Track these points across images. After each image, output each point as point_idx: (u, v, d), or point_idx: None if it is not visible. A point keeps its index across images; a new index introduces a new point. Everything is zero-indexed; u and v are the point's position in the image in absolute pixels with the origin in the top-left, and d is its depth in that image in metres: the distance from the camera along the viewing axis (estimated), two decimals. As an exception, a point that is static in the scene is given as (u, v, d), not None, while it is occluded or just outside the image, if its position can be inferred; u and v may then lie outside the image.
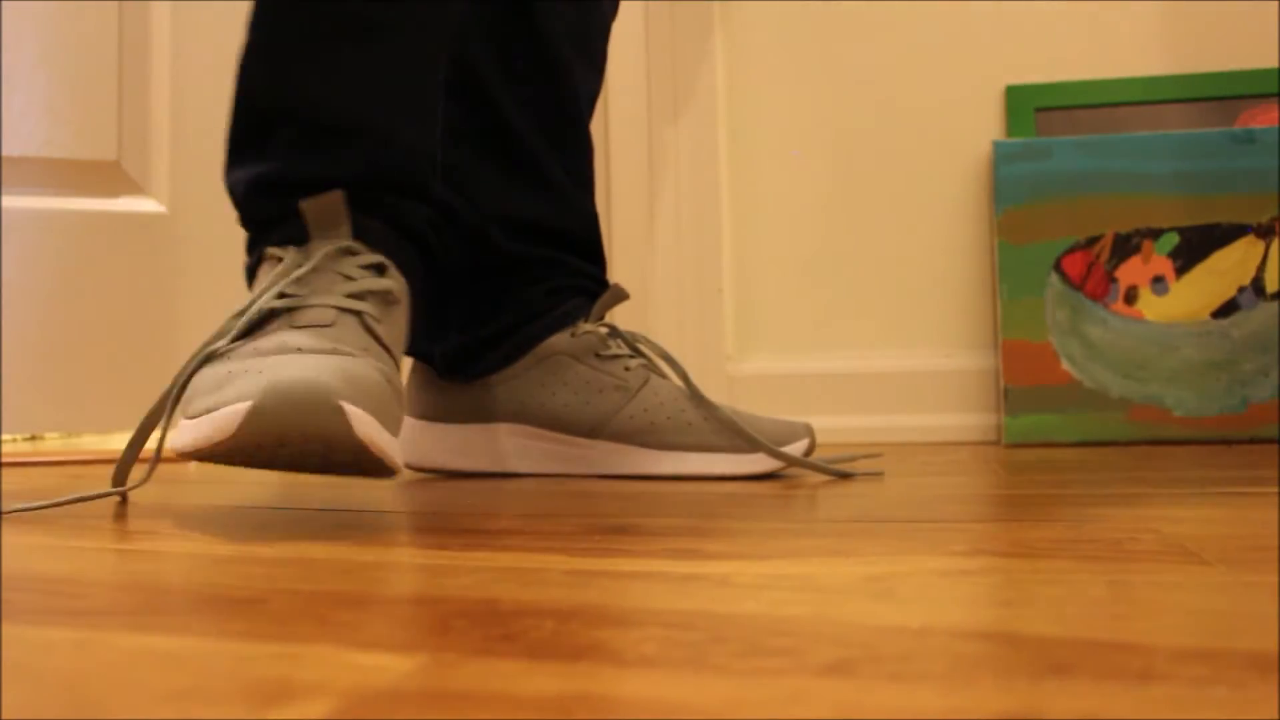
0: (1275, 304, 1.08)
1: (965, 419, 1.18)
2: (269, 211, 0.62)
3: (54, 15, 1.15)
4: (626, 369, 0.77)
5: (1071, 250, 1.12)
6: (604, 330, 0.79)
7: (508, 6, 0.79)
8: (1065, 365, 1.11)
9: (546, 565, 0.38)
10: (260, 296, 0.55)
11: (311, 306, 0.55)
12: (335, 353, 0.51)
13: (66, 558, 0.42)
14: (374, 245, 0.61)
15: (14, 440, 1.15)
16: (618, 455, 0.76)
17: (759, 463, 0.72)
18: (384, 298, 0.59)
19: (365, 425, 0.46)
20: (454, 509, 0.56)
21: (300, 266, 0.57)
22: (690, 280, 1.27)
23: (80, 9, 1.16)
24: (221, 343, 0.53)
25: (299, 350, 0.50)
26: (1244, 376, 1.08)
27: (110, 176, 1.15)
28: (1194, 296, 1.10)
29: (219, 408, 0.46)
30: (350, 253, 0.59)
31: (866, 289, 1.24)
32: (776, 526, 0.47)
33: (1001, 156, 1.14)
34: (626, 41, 1.32)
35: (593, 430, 0.77)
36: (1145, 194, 1.11)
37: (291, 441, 0.46)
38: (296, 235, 0.60)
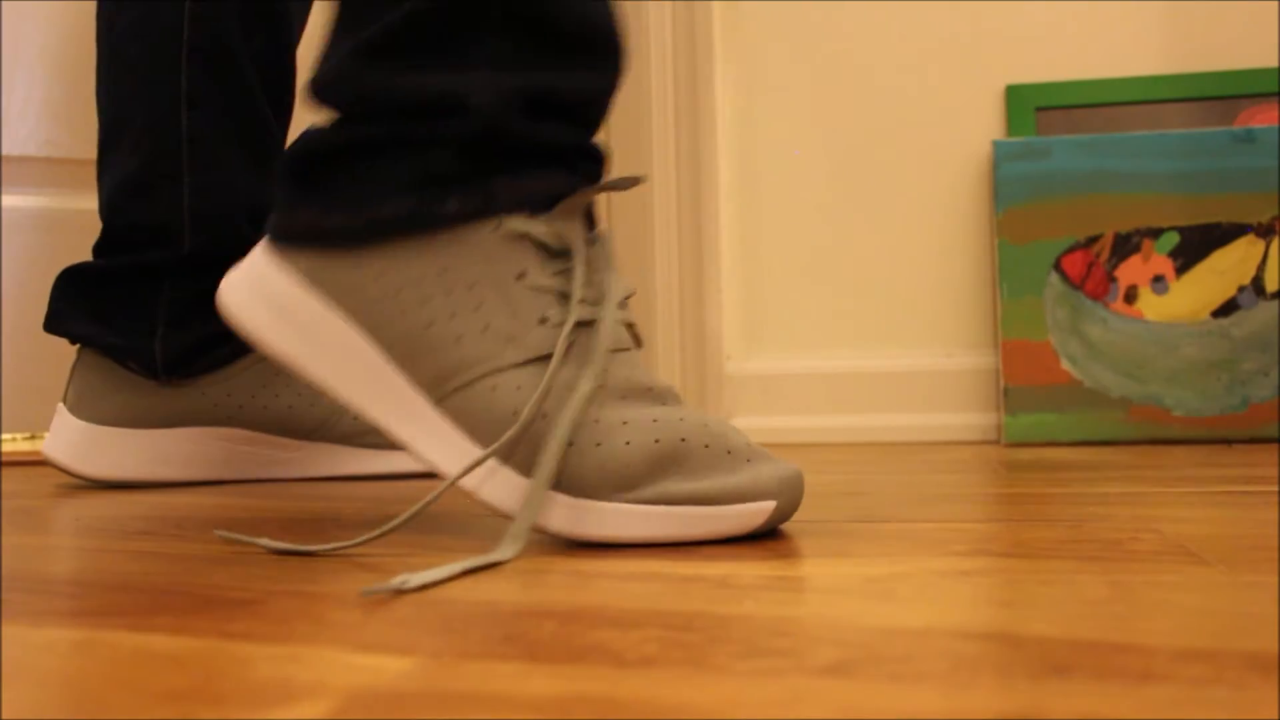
0: (1275, 303, 1.08)
1: (965, 418, 1.18)
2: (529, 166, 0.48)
3: (54, 15, 1.15)
4: None
5: (1071, 250, 1.12)
6: None
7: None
8: (1065, 365, 1.11)
9: (546, 565, 0.38)
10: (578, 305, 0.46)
11: (616, 323, 0.47)
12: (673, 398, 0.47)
13: (66, 558, 0.42)
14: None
15: (14, 440, 1.15)
16: (335, 457, 0.74)
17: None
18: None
19: None
20: (453, 509, 0.56)
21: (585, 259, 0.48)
22: (690, 280, 1.27)
23: (80, 9, 1.16)
24: (586, 382, 0.44)
25: (662, 394, 0.46)
26: (1244, 376, 1.08)
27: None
28: (1194, 296, 1.10)
29: (733, 500, 0.43)
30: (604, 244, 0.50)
31: (866, 289, 1.24)
32: (776, 527, 0.47)
33: (1002, 156, 1.14)
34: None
35: (312, 432, 0.74)
36: (1145, 193, 1.11)
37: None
38: (541, 203, 0.48)
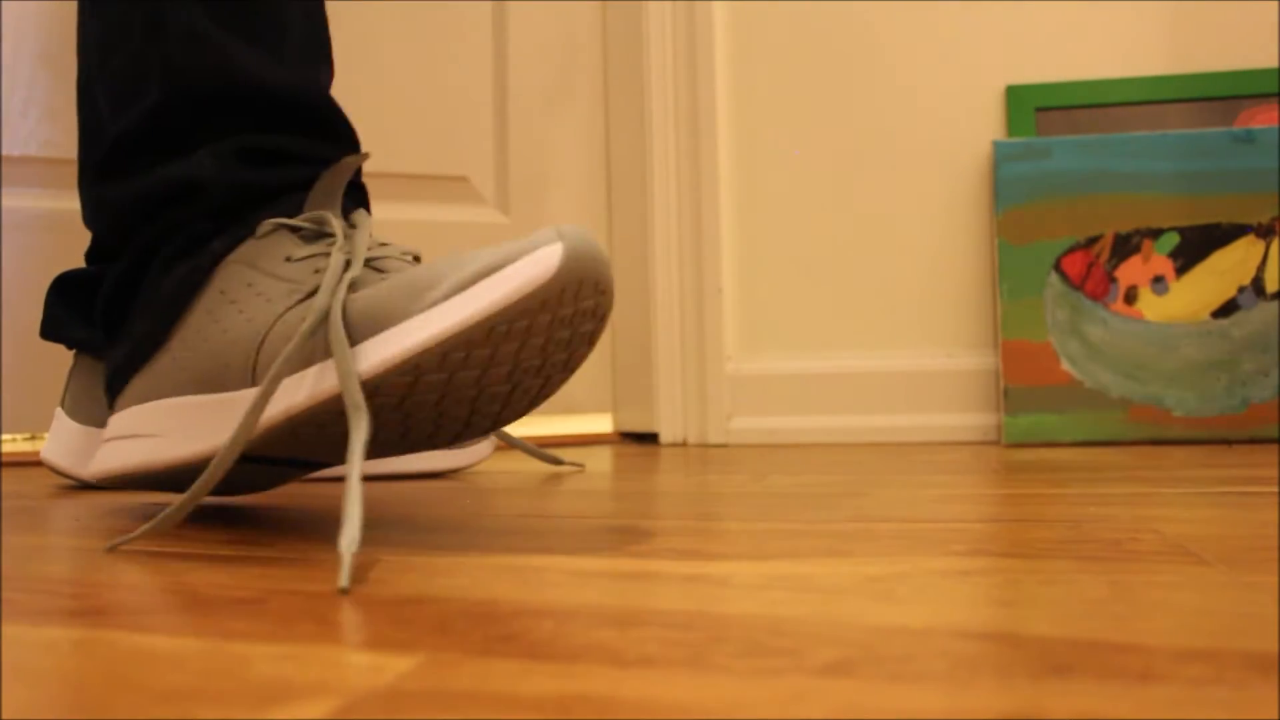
0: (1275, 304, 1.08)
1: (965, 419, 1.18)
2: (250, 182, 0.55)
3: (54, 15, 1.15)
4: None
5: (1071, 250, 1.12)
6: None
7: None
8: (1065, 365, 1.11)
9: (546, 565, 0.38)
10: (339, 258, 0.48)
11: (392, 257, 0.49)
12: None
13: (66, 558, 0.42)
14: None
15: (14, 440, 1.15)
16: None
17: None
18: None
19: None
20: (453, 509, 0.56)
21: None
22: (690, 280, 1.27)
23: (80, 9, 1.16)
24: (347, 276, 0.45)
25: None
26: (1244, 376, 1.08)
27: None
28: (1194, 296, 1.10)
29: (515, 257, 0.40)
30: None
31: (866, 289, 1.24)
32: (776, 527, 0.47)
33: (1002, 156, 1.14)
34: (626, 41, 1.32)
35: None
36: (1145, 194, 1.11)
37: (587, 295, 0.40)
38: (291, 209, 0.54)
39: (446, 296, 0.40)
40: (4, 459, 1.03)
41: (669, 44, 1.29)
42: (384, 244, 0.50)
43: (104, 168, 0.59)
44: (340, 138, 0.58)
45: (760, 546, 0.41)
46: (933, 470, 0.77)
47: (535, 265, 0.39)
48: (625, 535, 0.45)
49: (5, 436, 1.14)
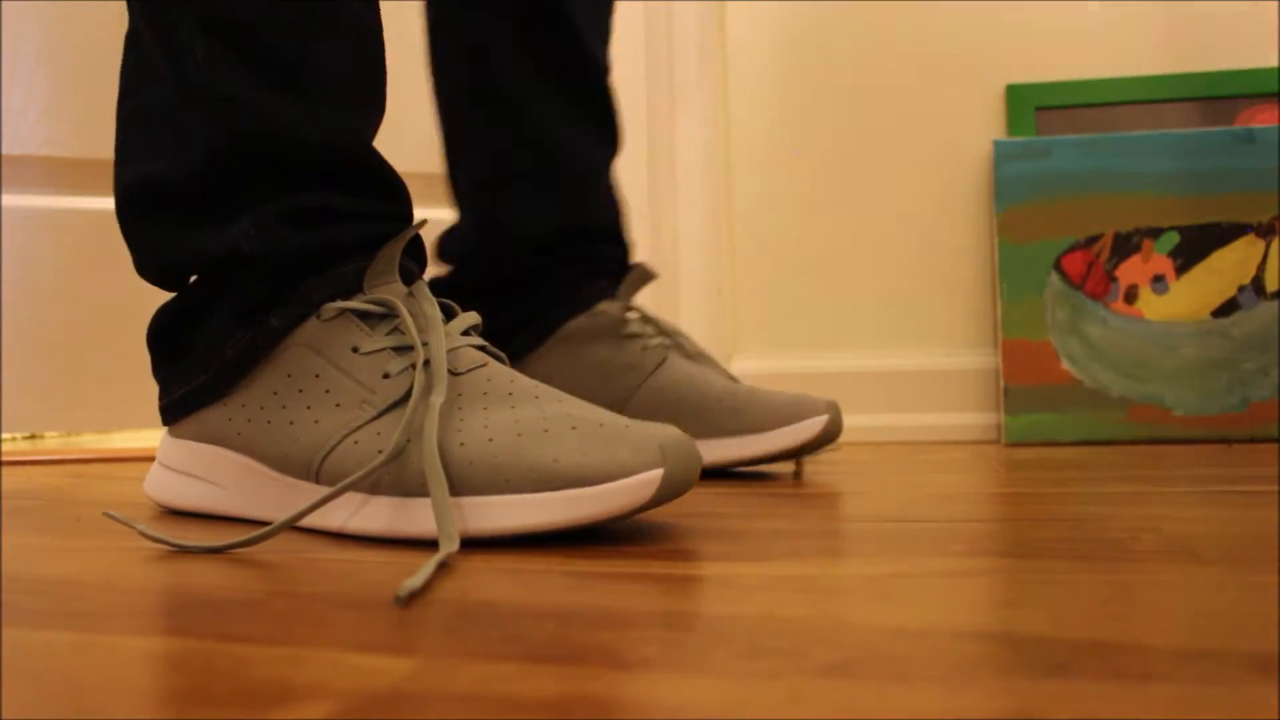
0: (1275, 303, 1.08)
1: (965, 418, 1.18)
2: (300, 246, 0.53)
3: (54, 15, 1.15)
4: (644, 349, 0.76)
5: (1071, 249, 1.12)
6: (625, 311, 0.78)
7: (538, 13, 0.79)
8: (1065, 364, 1.11)
9: (546, 566, 0.38)
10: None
11: (462, 348, 0.50)
12: (564, 399, 0.48)
13: (67, 559, 0.42)
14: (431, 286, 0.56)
15: (14, 440, 1.15)
16: None
17: (764, 443, 0.69)
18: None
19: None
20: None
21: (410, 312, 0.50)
22: (690, 280, 1.27)
23: (80, 9, 1.16)
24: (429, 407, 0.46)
25: (559, 401, 0.47)
26: (1244, 376, 1.08)
27: (110, 176, 1.15)
28: (1194, 296, 1.10)
29: (607, 478, 0.43)
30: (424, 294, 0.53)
31: (866, 288, 1.24)
32: (776, 526, 0.47)
33: (1002, 156, 1.14)
34: (625, 41, 1.32)
35: (612, 410, 0.76)
36: (1145, 193, 1.11)
37: (678, 496, 0.45)
38: (347, 279, 0.52)
39: (548, 488, 0.43)
40: (4, 459, 1.03)
41: (668, 43, 1.29)
42: (449, 333, 0.51)
43: (146, 211, 0.58)
44: (388, 191, 0.56)
45: (760, 546, 0.41)
46: (933, 470, 0.77)
47: (632, 493, 0.43)
48: (625, 535, 0.45)
49: (5, 436, 1.14)
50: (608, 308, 0.77)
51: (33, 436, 1.16)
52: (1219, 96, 1.16)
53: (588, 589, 0.33)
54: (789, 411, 0.70)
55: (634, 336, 0.76)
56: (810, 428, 0.69)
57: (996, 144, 1.14)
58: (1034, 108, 1.19)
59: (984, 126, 1.21)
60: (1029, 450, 1.00)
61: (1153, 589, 0.31)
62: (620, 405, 0.75)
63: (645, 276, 0.80)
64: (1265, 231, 1.09)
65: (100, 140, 1.16)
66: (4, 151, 1.12)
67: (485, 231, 0.81)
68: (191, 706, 0.21)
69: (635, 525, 0.48)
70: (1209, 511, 0.49)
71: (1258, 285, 1.09)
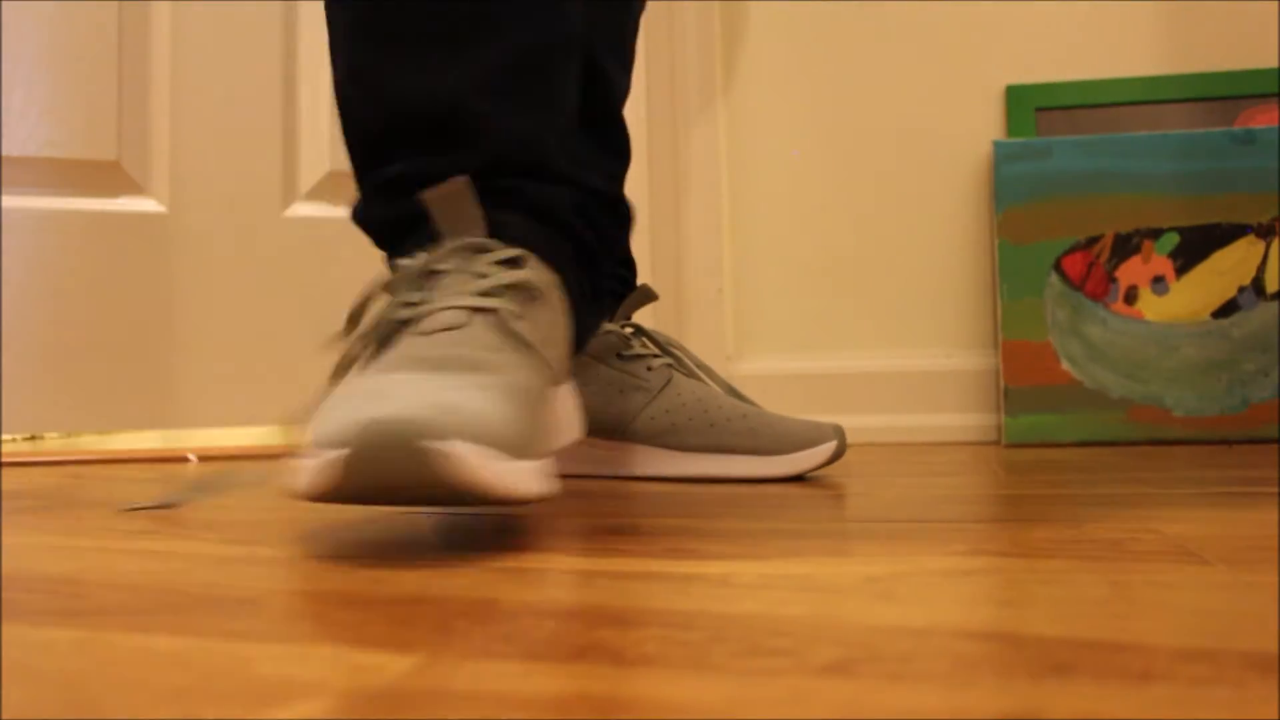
0: (1275, 304, 1.08)
1: (965, 419, 1.18)
2: (391, 217, 0.58)
3: (54, 15, 1.15)
4: (649, 369, 0.76)
5: (1071, 250, 1.12)
6: (627, 330, 0.79)
7: None
8: (1065, 365, 1.11)
9: (546, 565, 0.38)
10: (385, 307, 0.51)
11: (440, 310, 0.50)
12: (445, 368, 0.46)
13: (66, 558, 0.42)
14: (510, 238, 0.55)
15: (14, 440, 1.15)
16: (639, 456, 0.75)
17: (779, 465, 0.71)
18: (524, 292, 0.53)
19: (465, 465, 0.39)
20: (454, 509, 0.56)
21: (425, 268, 0.52)
22: (690, 280, 1.27)
23: (80, 9, 1.16)
24: (354, 368, 0.49)
25: (422, 362, 0.46)
26: (1244, 376, 1.08)
27: (110, 176, 1.15)
28: (1194, 296, 1.10)
29: (323, 449, 0.40)
30: (482, 250, 0.53)
31: (866, 289, 1.24)
32: (776, 526, 0.47)
33: (1001, 156, 1.14)
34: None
35: (613, 431, 0.76)
36: (1145, 194, 1.11)
37: (398, 488, 0.40)
38: (424, 240, 0.55)
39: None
40: (4, 459, 1.03)
41: (667, 44, 1.29)
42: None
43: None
44: (460, 139, 0.58)
45: (760, 546, 0.41)
46: (933, 470, 0.77)
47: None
48: (625, 535, 0.45)
49: (5, 437, 1.14)
50: (612, 327, 0.78)
51: (33, 437, 1.16)
52: (1219, 97, 1.15)
53: (588, 588, 0.33)
54: (800, 437, 0.72)
55: (638, 357, 0.77)
56: (820, 454, 0.71)
57: (996, 144, 1.14)
58: (1034, 108, 1.19)
59: (984, 127, 1.21)
60: (1029, 451, 1.00)
61: (1153, 589, 0.31)
62: (625, 425, 0.75)
63: (647, 297, 0.80)
64: (1265, 232, 1.09)
65: (100, 140, 1.16)
66: (4, 152, 1.12)
67: None
68: (191, 704, 0.21)
69: (636, 525, 0.48)
70: (1209, 512, 0.49)
71: (1258, 286, 1.09)
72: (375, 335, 0.50)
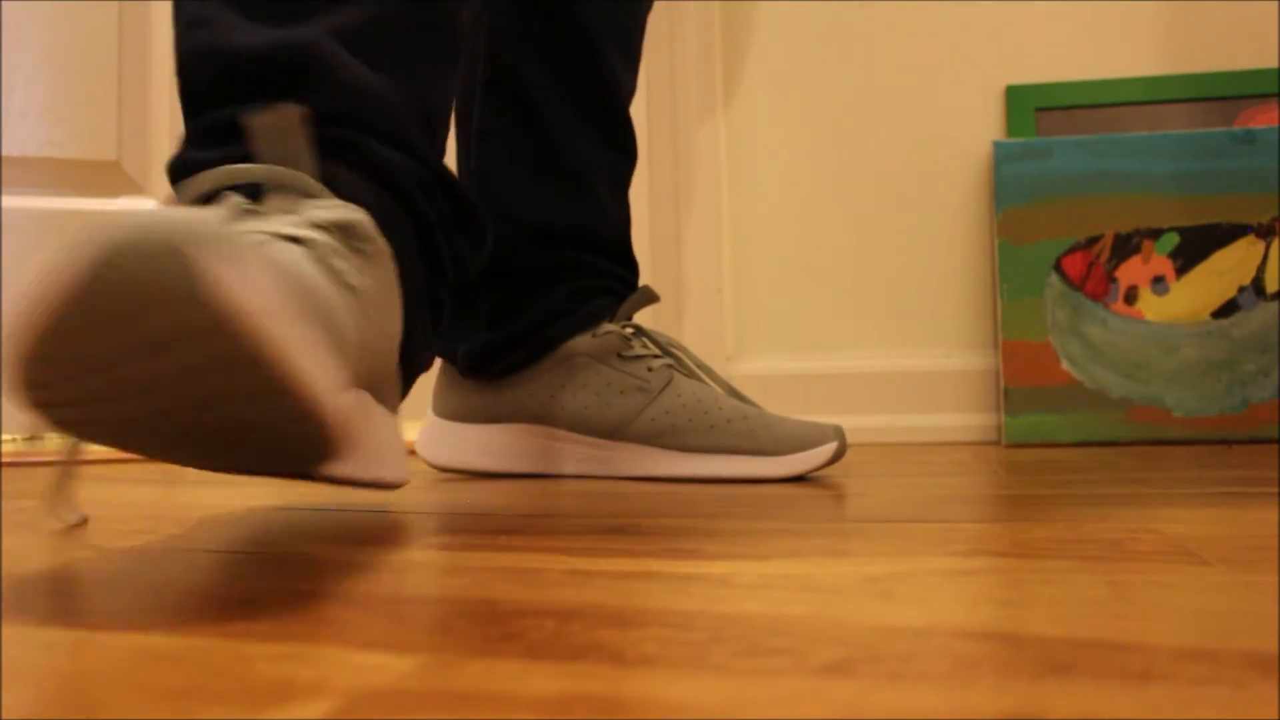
0: (1275, 304, 1.08)
1: (965, 419, 1.18)
2: (212, 162, 0.45)
3: (54, 15, 1.15)
4: (649, 369, 0.76)
5: (1071, 250, 1.12)
6: (627, 331, 0.79)
7: (549, 10, 0.79)
8: (1065, 365, 1.11)
9: (546, 565, 0.38)
10: None
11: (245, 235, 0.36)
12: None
13: (66, 558, 0.42)
14: (344, 194, 0.46)
15: (14, 440, 1.15)
16: (639, 457, 0.75)
17: (779, 466, 0.71)
18: (353, 240, 0.42)
19: (248, 288, 0.27)
20: (454, 509, 0.56)
21: (239, 209, 0.41)
22: (690, 280, 1.27)
23: (80, 9, 1.16)
24: None
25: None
26: (1244, 376, 1.08)
27: (110, 176, 1.15)
28: (1194, 296, 1.10)
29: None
30: (309, 196, 0.43)
31: (866, 289, 1.24)
32: (776, 526, 0.47)
33: (1001, 156, 1.14)
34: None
35: (613, 432, 0.76)
36: (1145, 194, 1.11)
37: (135, 315, 0.29)
38: (239, 155, 0.45)
39: None
40: (4, 459, 1.03)
41: (667, 45, 1.29)
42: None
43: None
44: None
45: (760, 546, 0.41)
46: (933, 470, 0.77)
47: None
48: (625, 535, 0.45)
49: (5, 437, 1.14)
50: (612, 328, 0.78)
51: (33, 437, 1.15)
52: (1219, 97, 1.16)
53: (588, 588, 0.33)
54: (800, 438, 0.72)
55: (639, 358, 0.77)
56: (821, 455, 0.71)
57: (996, 145, 1.14)
58: (1034, 108, 1.19)
59: (984, 127, 1.21)
60: (1029, 451, 1.00)
61: (1153, 589, 0.31)
62: (625, 426, 0.75)
63: (648, 299, 0.80)
64: (1265, 232, 1.09)
65: (100, 140, 1.16)
66: (4, 152, 1.12)
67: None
68: (192, 704, 0.21)
69: (635, 525, 0.48)
70: (1209, 511, 0.49)
71: (1258, 286, 1.09)
72: None
